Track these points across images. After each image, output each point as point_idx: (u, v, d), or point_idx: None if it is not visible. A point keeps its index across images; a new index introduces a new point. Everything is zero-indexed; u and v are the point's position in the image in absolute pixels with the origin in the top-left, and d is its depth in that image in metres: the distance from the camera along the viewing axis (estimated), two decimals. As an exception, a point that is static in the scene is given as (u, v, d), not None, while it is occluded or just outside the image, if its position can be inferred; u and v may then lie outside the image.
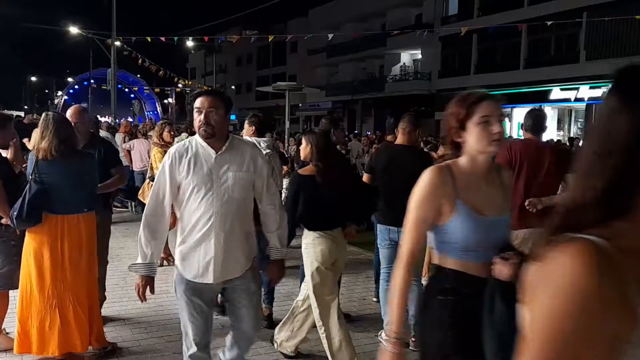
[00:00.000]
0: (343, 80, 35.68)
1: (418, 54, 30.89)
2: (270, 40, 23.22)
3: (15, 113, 19.63)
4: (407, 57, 31.97)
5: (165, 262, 6.03)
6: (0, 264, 3.65)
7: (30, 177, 3.51)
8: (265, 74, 46.44)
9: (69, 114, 4.29)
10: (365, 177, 4.48)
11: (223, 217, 2.68)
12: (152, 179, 6.14)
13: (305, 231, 3.70)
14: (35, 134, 3.65)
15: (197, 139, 2.77)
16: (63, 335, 3.54)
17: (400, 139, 4.28)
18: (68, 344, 3.58)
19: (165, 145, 6.20)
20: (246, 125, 4.86)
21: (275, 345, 3.94)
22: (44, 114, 3.68)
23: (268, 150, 4.48)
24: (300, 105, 36.74)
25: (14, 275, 3.72)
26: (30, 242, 3.55)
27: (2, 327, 3.81)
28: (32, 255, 3.53)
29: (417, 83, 29.59)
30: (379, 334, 4.26)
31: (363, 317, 4.78)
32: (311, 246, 3.64)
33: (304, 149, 3.73)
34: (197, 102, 2.70)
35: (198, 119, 2.69)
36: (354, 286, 5.65)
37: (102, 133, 10.76)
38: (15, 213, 3.40)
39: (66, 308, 3.55)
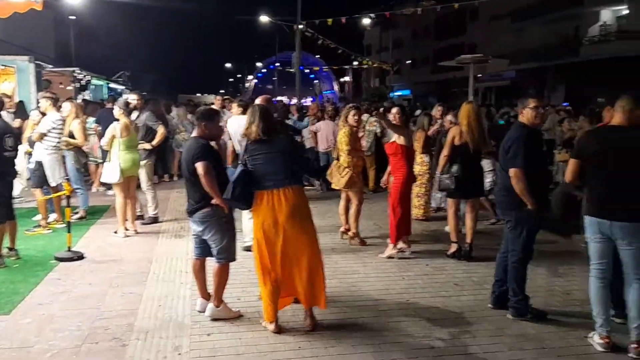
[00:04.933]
0: (529, 46, 32.71)
1: (623, 9, 26.82)
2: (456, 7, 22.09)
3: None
4: (609, 14, 27.95)
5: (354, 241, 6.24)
6: (219, 239, 4.10)
7: (240, 162, 3.93)
8: (443, 45, 44.85)
9: (258, 101, 4.75)
10: (573, 163, 3.97)
11: None
12: (337, 159, 6.36)
13: None
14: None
15: None
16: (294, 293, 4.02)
17: (617, 119, 3.70)
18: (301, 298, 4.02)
19: (351, 127, 6.34)
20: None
21: None
22: (250, 107, 4.05)
23: None
24: (479, 76, 34.70)
25: (231, 248, 4.18)
26: (253, 218, 4.00)
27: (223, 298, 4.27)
28: (257, 229, 3.94)
29: (622, 44, 25.75)
30: (590, 335, 3.83)
31: (568, 314, 4.34)
32: None
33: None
34: None
35: None
36: (554, 278, 5.18)
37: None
38: (227, 195, 3.90)
39: (294, 273, 3.94)
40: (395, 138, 5.93)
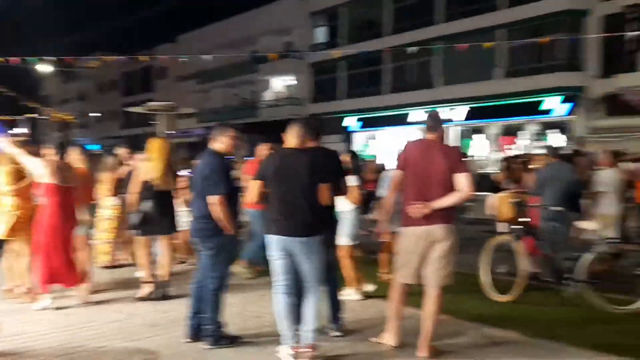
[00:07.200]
0: (215, 106, 35.16)
1: (290, 79, 31.48)
2: (148, 59, 21.92)
3: None
4: (280, 83, 32.41)
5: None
6: None
7: None
8: (131, 101, 44.08)
9: None
10: (255, 184, 4.18)
11: None
12: None
13: None
14: None
15: None
16: None
17: (291, 142, 4.09)
18: None
19: (12, 164, 5.36)
20: None
21: None
22: None
23: None
24: (172, 132, 35.34)
25: None
26: None
27: None
28: None
29: (290, 108, 30.03)
30: (277, 350, 4.02)
31: (261, 334, 4.50)
32: None
33: None
34: None
35: None
36: (246, 305, 5.34)
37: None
38: None
39: None
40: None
